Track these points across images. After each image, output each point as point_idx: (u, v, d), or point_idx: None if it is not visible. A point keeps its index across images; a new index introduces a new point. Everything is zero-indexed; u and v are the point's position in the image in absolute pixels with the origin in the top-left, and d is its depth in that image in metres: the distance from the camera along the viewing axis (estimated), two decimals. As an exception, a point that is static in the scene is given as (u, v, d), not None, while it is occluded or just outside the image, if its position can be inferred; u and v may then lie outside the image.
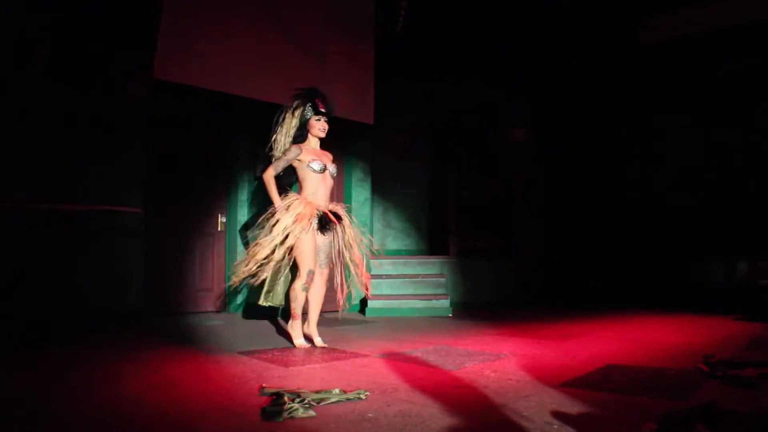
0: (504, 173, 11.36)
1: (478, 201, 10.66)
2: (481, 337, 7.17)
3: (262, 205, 9.09)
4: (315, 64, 8.50)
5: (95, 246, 7.78)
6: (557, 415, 3.72)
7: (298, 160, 6.51)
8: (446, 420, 3.67)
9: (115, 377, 4.77)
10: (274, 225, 6.36)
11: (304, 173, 6.55)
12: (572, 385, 4.60)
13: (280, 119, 6.73)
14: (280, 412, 3.66)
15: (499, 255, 11.05)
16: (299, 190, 6.62)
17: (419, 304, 9.24)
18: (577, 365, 5.40)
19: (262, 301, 6.65)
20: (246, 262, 6.58)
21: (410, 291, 9.58)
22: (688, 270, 11.29)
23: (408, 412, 3.85)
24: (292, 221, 6.29)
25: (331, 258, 6.77)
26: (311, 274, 6.45)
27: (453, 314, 9.38)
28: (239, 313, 9.19)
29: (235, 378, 4.75)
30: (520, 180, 11.55)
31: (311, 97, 6.67)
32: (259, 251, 6.41)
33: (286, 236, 6.30)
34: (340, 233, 6.75)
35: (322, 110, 6.67)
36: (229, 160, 9.38)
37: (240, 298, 9.35)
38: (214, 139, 9.25)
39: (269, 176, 6.51)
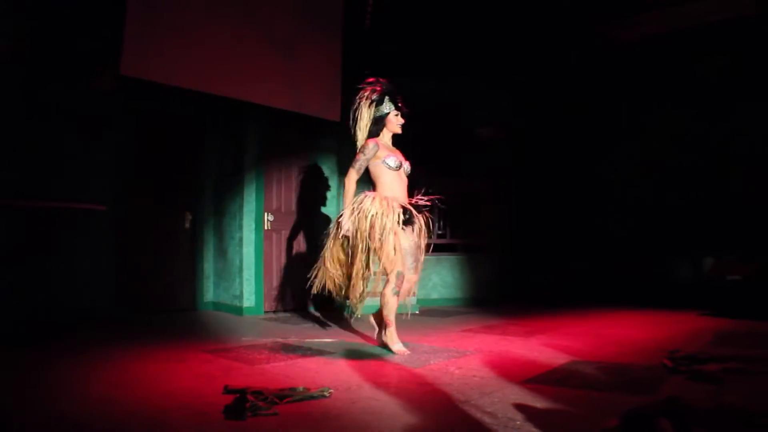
0: (475, 170, 11.35)
1: (449, 198, 10.63)
2: (447, 334, 7.16)
3: (228, 202, 9.06)
4: (283, 61, 8.43)
5: (62, 244, 7.70)
6: (520, 410, 3.72)
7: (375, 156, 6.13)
8: (410, 417, 3.65)
9: (83, 376, 4.71)
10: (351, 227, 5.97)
11: (378, 170, 6.14)
12: (536, 381, 4.59)
13: (356, 113, 6.35)
14: (243, 411, 3.63)
15: (469, 252, 11.04)
16: (374, 189, 6.19)
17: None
18: (542, 361, 5.40)
19: (358, 314, 6.40)
20: (325, 268, 6.33)
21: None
22: (655, 266, 11.35)
23: (372, 409, 3.83)
24: (371, 221, 5.86)
25: (419, 260, 6.28)
26: (401, 276, 5.96)
27: (420, 311, 9.36)
28: (207, 310, 9.14)
29: (200, 377, 4.70)
30: (492, 177, 11.55)
31: (392, 92, 6.29)
32: (336, 255, 6.23)
33: (370, 238, 5.88)
34: (420, 232, 6.21)
35: (401, 105, 6.30)
36: (197, 157, 9.32)
37: (208, 296, 9.30)
38: (183, 135, 9.19)
39: (351, 180, 6.07)
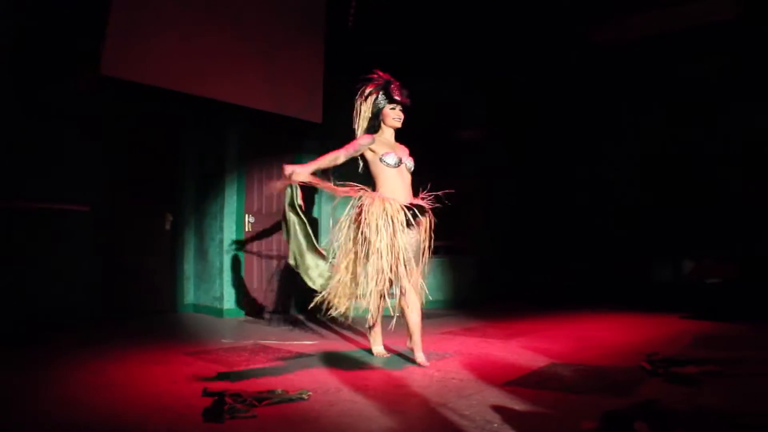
0: (459, 172, 11.36)
1: (435, 199, 10.60)
2: (427, 336, 7.11)
3: (209, 203, 9.03)
4: (264, 62, 8.41)
5: (41, 245, 7.64)
6: (498, 413, 3.72)
7: (372, 151, 5.78)
8: (387, 420, 3.65)
9: (62, 378, 4.68)
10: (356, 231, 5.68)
11: (377, 169, 5.79)
12: (515, 383, 4.59)
13: (357, 108, 6.07)
14: (221, 413, 3.62)
15: (452, 254, 11.04)
16: (374, 188, 5.82)
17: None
18: (521, 364, 5.40)
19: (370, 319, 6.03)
20: (338, 276, 5.81)
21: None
22: (636, 268, 11.39)
23: (350, 412, 3.83)
24: (375, 223, 5.51)
25: (421, 261, 5.99)
26: (384, 278, 5.58)
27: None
28: (188, 312, 9.10)
29: (179, 379, 4.68)
30: (476, 179, 11.55)
31: (385, 85, 5.93)
32: (344, 262, 5.76)
33: (366, 240, 5.56)
34: (423, 231, 5.95)
35: (397, 98, 5.88)
36: (178, 158, 9.28)
37: (189, 298, 9.26)
38: (164, 136, 9.14)
39: (332, 156, 5.77)
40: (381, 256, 5.46)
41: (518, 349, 6.23)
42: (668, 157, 11.19)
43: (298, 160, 9.67)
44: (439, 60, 10.26)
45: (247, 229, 9.07)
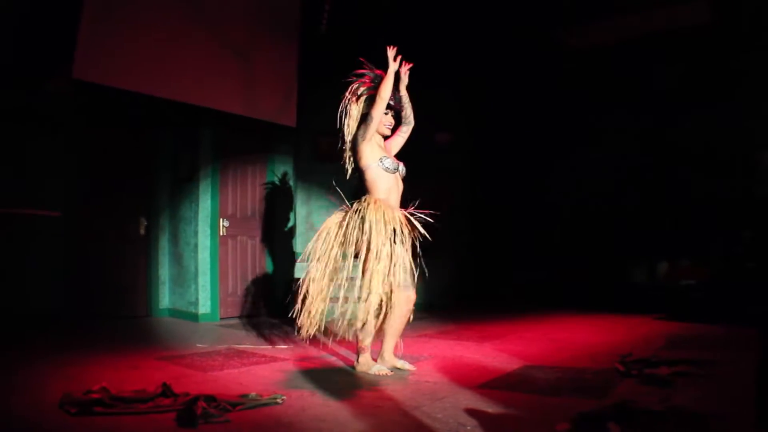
0: (431, 175, 11.37)
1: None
2: (401, 339, 7.13)
3: (184, 207, 8.98)
4: (239, 66, 8.39)
5: (13, 249, 7.58)
6: (471, 416, 3.72)
7: (372, 153, 5.46)
8: (360, 424, 3.65)
9: (36, 384, 4.65)
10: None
11: (375, 174, 5.42)
12: (489, 386, 4.61)
13: (345, 110, 5.67)
14: (195, 418, 3.60)
15: (425, 257, 11.03)
16: (367, 195, 5.47)
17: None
18: (495, 366, 5.42)
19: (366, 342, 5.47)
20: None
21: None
22: (610, 270, 11.43)
23: (324, 416, 3.83)
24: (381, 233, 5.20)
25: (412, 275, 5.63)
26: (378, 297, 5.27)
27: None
28: (163, 317, 9.05)
29: (152, 384, 4.64)
30: (448, 181, 11.56)
31: (375, 88, 5.52)
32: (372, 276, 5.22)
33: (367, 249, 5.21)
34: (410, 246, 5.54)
35: (390, 103, 5.51)
36: (152, 161, 9.21)
37: (164, 302, 9.20)
38: (137, 140, 9.08)
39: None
40: (380, 264, 5.18)
41: (492, 351, 6.24)
42: (643, 160, 11.25)
43: (271, 165, 9.69)
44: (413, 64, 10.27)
45: (221, 234, 9.03)
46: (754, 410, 3.69)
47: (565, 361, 5.59)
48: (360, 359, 5.40)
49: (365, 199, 5.37)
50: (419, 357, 5.94)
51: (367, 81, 5.65)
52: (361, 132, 5.46)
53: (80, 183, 8.41)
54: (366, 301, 5.22)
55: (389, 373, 5.22)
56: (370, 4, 9.26)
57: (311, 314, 5.46)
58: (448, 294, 11.10)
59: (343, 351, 6.25)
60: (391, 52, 5.50)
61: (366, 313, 5.21)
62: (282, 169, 9.84)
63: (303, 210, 10.03)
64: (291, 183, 9.85)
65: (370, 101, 5.55)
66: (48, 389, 4.44)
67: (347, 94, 5.66)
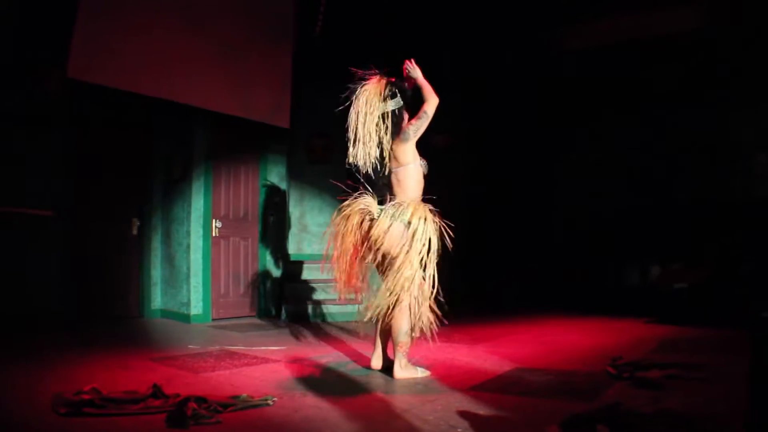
0: (429, 176, 11.37)
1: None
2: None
3: (176, 208, 8.96)
4: (234, 67, 8.38)
5: (6, 249, 7.54)
6: (463, 418, 3.73)
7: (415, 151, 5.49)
8: (352, 426, 3.65)
9: (28, 384, 4.64)
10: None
11: (415, 172, 5.52)
12: (480, 388, 4.61)
13: (360, 106, 5.49)
14: (185, 419, 3.60)
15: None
16: (401, 194, 5.49)
17: (333, 309, 9.14)
18: (487, 369, 5.43)
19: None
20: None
21: (323, 296, 9.44)
22: (603, 273, 11.45)
23: (314, 417, 3.83)
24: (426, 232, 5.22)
25: None
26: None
27: (368, 319, 9.33)
28: (155, 318, 9.02)
29: (144, 385, 4.63)
30: (440, 183, 11.56)
31: (402, 89, 5.58)
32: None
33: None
34: None
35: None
36: (146, 162, 9.19)
37: (156, 303, 9.18)
38: (130, 140, 9.04)
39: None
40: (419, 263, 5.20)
41: (484, 354, 6.25)
42: (637, 162, 11.28)
43: (264, 166, 9.68)
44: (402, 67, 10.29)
45: (214, 234, 9.02)
46: (744, 413, 3.70)
47: (557, 364, 5.60)
48: (404, 362, 5.22)
49: (403, 199, 5.37)
50: (410, 359, 5.92)
51: (391, 80, 5.59)
52: (413, 129, 5.40)
53: (73, 183, 8.36)
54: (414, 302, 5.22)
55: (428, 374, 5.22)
56: (364, 7, 9.26)
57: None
58: (442, 296, 11.10)
59: (332, 353, 6.23)
60: (410, 64, 5.54)
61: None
62: (275, 170, 9.83)
63: (296, 211, 10.03)
64: (284, 184, 9.84)
65: (394, 97, 5.49)
66: (39, 389, 4.43)
67: (371, 94, 5.53)
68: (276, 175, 9.79)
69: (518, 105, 12.00)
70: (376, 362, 5.48)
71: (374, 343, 5.57)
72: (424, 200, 5.51)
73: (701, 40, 10.01)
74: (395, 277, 5.14)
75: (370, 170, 5.46)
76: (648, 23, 10.04)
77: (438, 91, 5.59)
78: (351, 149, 5.46)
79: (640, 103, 11.19)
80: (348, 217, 5.45)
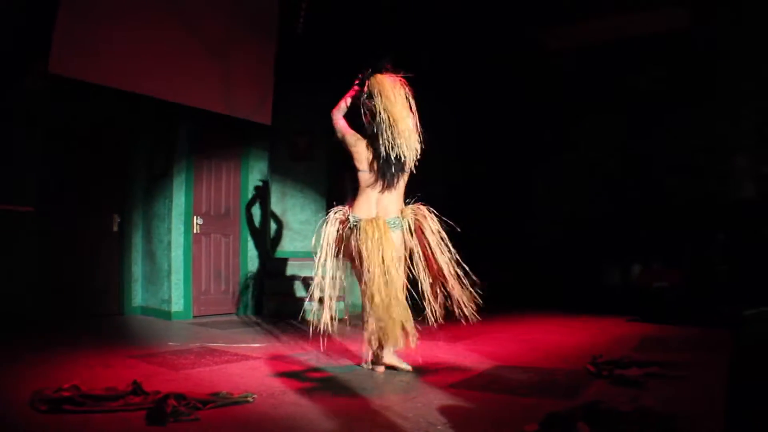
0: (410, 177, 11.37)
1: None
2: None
3: (157, 204, 8.93)
4: (214, 63, 8.35)
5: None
6: (442, 415, 3.74)
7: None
8: (331, 423, 3.66)
9: (7, 384, 4.60)
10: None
11: (405, 178, 5.80)
12: (460, 386, 4.62)
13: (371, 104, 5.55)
14: (164, 416, 3.58)
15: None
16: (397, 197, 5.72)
17: (314, 306, 9.09)
18: (467, 366, 5.45)
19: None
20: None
21: (304, 293, 9.39)
22: (584, 272, 11.47)
23: (294, 414, 3.83)
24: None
25: None
26: None
27: (348, 317, 9.31)
28: (136, 315, 8.99)
29: (123, 382, 4.61)
30: (423, 182, 11.56)
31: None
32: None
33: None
34: None
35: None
36: (126, 158, 9.15)
37: (137, 300, 9.15)
38: (111, 136, 9.01)
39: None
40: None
41: (464, 351, 6.27)
42: (616, 163, 11.31)
43: (246, 163, 9.66)
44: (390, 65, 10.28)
45: (195, 231, 9.00)
46: (724, 411, 3.72)
47: (537, 362, 5.62)
48: (392, 351, 5.27)
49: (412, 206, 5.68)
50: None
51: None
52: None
53: (53, 179, 8.30)
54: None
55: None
56: (346, 7, 9.25)
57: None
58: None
59: (312, 351, 6.21)
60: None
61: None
62: (257, 167, 9.82)
63: (278, 208, 10.01)
64: (266, 181, 9.82)
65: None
66: (19, 387, 4.41)
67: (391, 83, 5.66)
68: (258, 172, 9.77)
69: (498, 107, 12.02)
70: (365, 359, 5.43)
71: (365, 341, 5.40)
72: (407, 203, 5.79)
73: (681, 42, 10.06)
74: (386, 277, 5.29)
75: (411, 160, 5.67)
76: (624, 25, 10.09)
77: (417, 91, 5.59)
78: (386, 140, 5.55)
79: (618, 105, 11.22)
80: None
